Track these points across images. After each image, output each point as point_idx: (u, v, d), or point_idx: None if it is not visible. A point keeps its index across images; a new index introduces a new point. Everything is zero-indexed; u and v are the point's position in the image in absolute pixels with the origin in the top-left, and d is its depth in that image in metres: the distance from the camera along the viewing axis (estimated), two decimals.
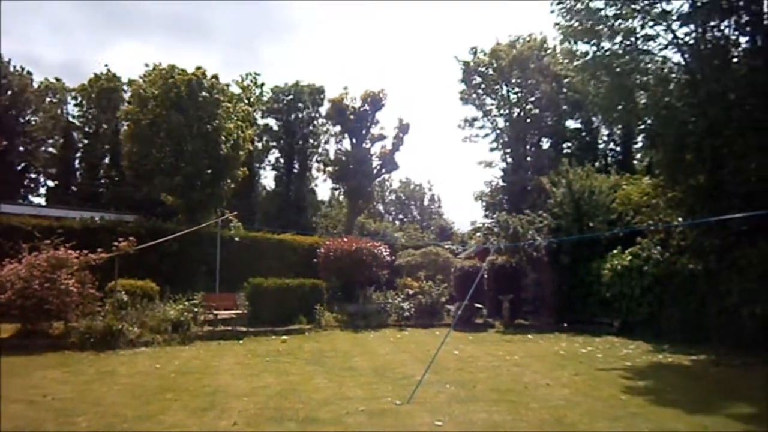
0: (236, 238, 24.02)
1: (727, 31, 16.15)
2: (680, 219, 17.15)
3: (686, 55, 16.67)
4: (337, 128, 46.89)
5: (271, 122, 52.59)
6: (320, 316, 19.45)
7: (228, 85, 32.26)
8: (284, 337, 16.83)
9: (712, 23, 16.07)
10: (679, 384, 10.64)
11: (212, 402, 8.60)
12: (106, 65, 56.38)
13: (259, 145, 50.32)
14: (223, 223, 23.61)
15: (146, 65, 30.82)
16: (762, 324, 13.55)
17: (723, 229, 15.09)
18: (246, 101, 45.76)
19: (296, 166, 53.19)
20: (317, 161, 52.15)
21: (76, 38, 79.95)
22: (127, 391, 9.32)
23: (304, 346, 15.24)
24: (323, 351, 14.50)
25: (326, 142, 53.86)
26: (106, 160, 49.05)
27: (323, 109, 51.88)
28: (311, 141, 53.50)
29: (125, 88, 46.26)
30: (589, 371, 11.83)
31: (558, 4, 17.47)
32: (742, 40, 16.31)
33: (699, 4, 15.71)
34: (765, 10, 15.44)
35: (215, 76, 27.72)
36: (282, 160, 53.22)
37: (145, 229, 21.61)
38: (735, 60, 16.29)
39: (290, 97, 51.65)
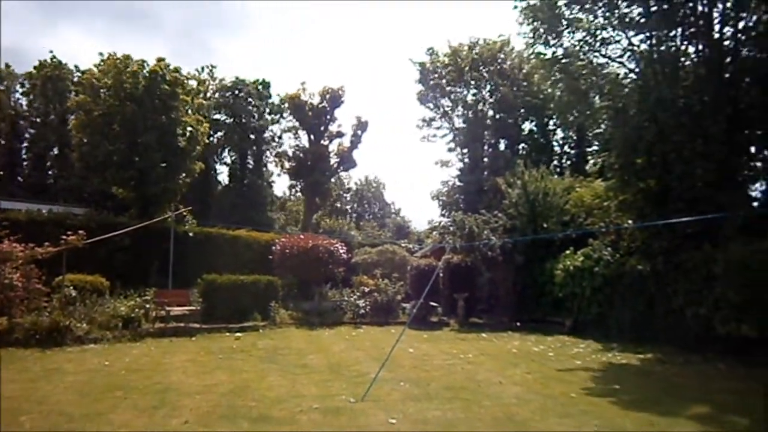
0: (190, 234, 23.61)
1: (677, 40, 16.66)
2: (630, 221, 17.62)
3: (639, 62, 17.13)
4: (292, 123, 46.50)
5: (224, 117, 51.78)
6: (275, 313, 19.30)
7: (187, 78, 31.62)
8: (238, 335, 16.64)
9: (664, 32, 16.55)
10: (627, 382, 10.93)
11: (163, 400, 8.45)
12: (51, 52, 54.36)
13: (214, 139, 49.49)
14: (177, 218, 23.19)
15: (100, 54, 29.96)
16: (705, 325, 14.03)
17: (670, 232, 15.57)
18: (203, 95, 44.99)
19: (250, 161, 52.59)
20: (274, 157, 51.63)
21: (19, 22, 77.07)
22: (74, 389, 9.07)
23: (258, 344, 15.10)
24: (278, 348, 14.39)
25: (280, 137, 53.32)
26: (55, 151, 47.48)
27: (274, 104, 51.52)
28: (265, 136, 52.91)
29: (72, 77, 44.80)
30: (541, 370, 12.05)
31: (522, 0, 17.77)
32: (691, 49, 16.86)
33: (652, 11, 16.18)
34: (713, 22, 15.99)
35: (177, 69, 27.17)
36: (236, 156, 52.53)
37: (96, 222, 21.05)
38: (684, 68, 16.81)
39: (238, 92, 50.91)
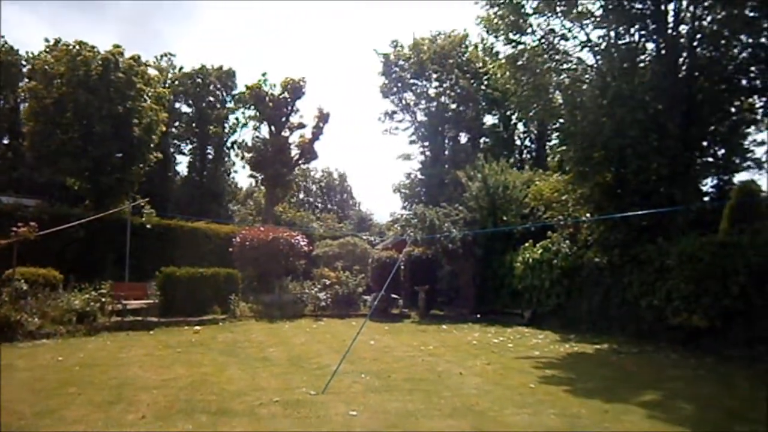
0: (148, 226, 23.19)
1: (635, 37, 17.01)
2: (588, 215, 17.98)
3: (598, 57, 17.43)
4: (253, 114, 45.89)
5: (184, 107, 50.81)
6: (235, 306, 19.11)
7: (147, 66, 30.87)
8: (197, 328, 16.43)
9: (622, 28, 16.88)
10: (583, 372, 11.16)
11: (119, 395, 8.27)
12: (2, 37, 52.29)
13: (174, 129, 48.53)
14: (133, 209, 22.72)
15: (50, 40, 29.08)
16: (658, 315, 14.43)
17: (626, 226, 15.94)
18: (162, 84, 44.03)
19: (211, 152, 51.75)
20: (235, 147, 50.91)
21: None
22: (26, 385, 8.81)
23: (217, 337, 14.93)
24: (237, 341, 14.25)
25: (242, 128, 52.58)
26: (5, 140, 45.88)
27: (236, 94, 50.71)
28: (226, 127, 52.13)
29: (22, 63, 43.30)
30: (501, 360, 12.21)
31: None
32: (649, 46, 17.25)
33: (610, 7, 16.47)
34: (669, 20, 16.38)
35: (134, 58, 26.52)
36: (196, 146, 51.62)
37: (48, 214, 20.51)
38: (641, 65, 17.18)
39: (199, 80, 49.97)
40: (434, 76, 43.26)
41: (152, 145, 27.09)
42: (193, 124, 50.08)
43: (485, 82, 40.75)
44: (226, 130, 52.28)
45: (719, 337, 12.92)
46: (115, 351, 12.42)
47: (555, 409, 8.02)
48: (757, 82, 15.84)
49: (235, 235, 23.41)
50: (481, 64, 41.36)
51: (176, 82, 49.99)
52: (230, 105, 51.85)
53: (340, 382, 9.19)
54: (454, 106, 43.37)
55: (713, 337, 13.04)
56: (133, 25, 78.29)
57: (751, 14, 15.01)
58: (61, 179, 26.57)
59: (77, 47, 25.22)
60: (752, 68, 15.85)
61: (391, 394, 8.70)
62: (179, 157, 52.18)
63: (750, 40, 15.49)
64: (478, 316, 21.46)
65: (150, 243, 22.26)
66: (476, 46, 41.92)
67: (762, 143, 16.70)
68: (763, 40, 15.41)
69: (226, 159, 52.93)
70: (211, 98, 50.53)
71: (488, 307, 22.22)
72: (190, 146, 51.88)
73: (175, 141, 50.03)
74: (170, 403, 7.90)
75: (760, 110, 16.33)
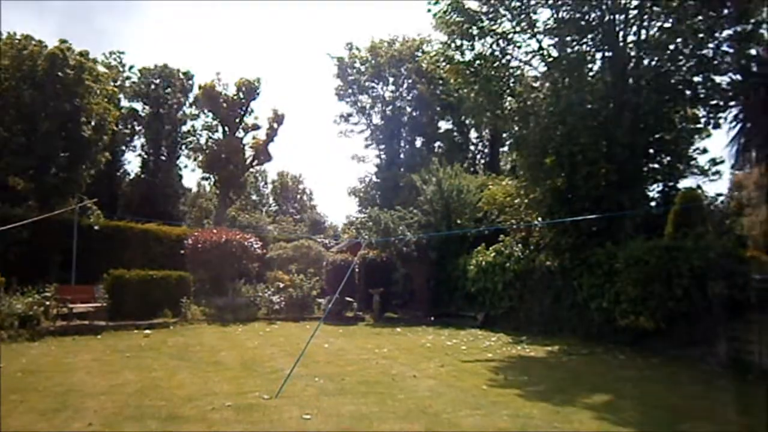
0: (96, 227, 22.54)
1: (586, 46, 17.43)
2: (540, 219, 18.31)
3: (550, 65, 17.79)
4: (206, 115, 45.24)
5: (137, 106, 49.55)
6: (187, 309, 18.75)
7: (96, 63, 30.01)
8: (147, 332, 16.05)
9: (572, 38, 17.28)
10: (535, 373, 11.36)
11: (64, 402, 8.01)
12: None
13: (125, 129, 47.28)
14: (81, 210, 22.07)
15: None
16: (606, 317, 14.79)
17: (576, 230, 16.29)
18: (113, 82, 42.91)
19: (164, 152, 50.63)
20: (187, 149, 49.95)
21: None
22: None
23: (168, 341, 14.62)
24: (189, 345, 13.99)
25: (197, 130, 51.63)
26: None
27: (192, 95, 49.81)
28: (180, 128, 51.09)
29: None
30: (454, 363, 12.31)
31: (435, 4, 18.03)
32: (598, 55, 17.69)
33: (561, 16, 16.86)
34: (617, 30, 16.85)
35: (82, 53, 25.76)
36: (148, 146, 50.37)
37: None
38: (591, 73, 17.62)
39: (152, 79, 48.85)
40: (391, 80, 43.41)
41: (102, 145, 26.38)
42: (147, 124, 48.84)
43: (441, 87, 41.09)
44: (180, 131, 51.24)
45: (665, 337, 13.33)
46: (61, 356, 12.03)
47: (507, 410, 8.14)
48: (701, 92, 16.43)
49: (187, 237, 22.97)
50: (434, 69, 41.66)
51: (127, 81, 48.74)
52: (185, 105, 50.82)
53: (293, 386, 9.12)
54: (410, 110, 43.59)
55: (659, 338, 13.45)
56: (76, 21, 75.74)
57: (695, 26, 15.59)
58: (3, 178, 25.59)
59: (23, 41, 24.38)
60: (695, 79, 16.45)
61: (345, 397, 8.67)
62: (130, 157, 50.87)
63: (694, 52, 16.06)
64: (433, 318, 21.60)
65: (98, 245, 21.63)
66: (428, 53, 42.17)
67: (705, 151, 17.35)
68: (706, 51, 16.02)
69: (179, 160, 51.87)
70: (164, 98, 49.44)
71: (442, 309, 22.38)
72: (141, 146, 50.61)
73: (127, 141, 48.72)
74: (119, 410, 7.70)
75: (703, 120, 16.94)
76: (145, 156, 49.60)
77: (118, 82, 45.72)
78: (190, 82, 50.10)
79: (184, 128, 51.10)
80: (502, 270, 19.25)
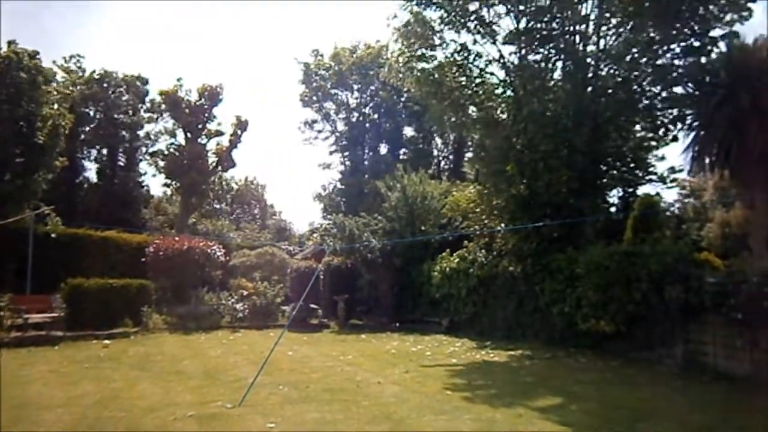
0: (53, 235, 21.97)
1: (546, 55, 17.75)
2: (502, 225, 18.53)
3: (511, 74, 18.06)
4: (168, 122, 44.55)
5: (93, 110, 48.39)
6: (148, 318, 18.45)
7: (58, 67, 29.28)
8: (107, 342, 15.71)
9: (533, 46, 17.59)
10: (498, 378, 11.47)
11: (18, 416, 7.78)
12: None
13: (82, 134, 46.20)
14: (37, 217, 21.50)
15: None
16: (568, 321, 15.03)
17: (538, 236, 16.56)
18: (70, 86, 41.95)
19: (122, 158, 49.62)
20: (147, 155, 49.08)
21: None
22: None
23: (129, 351, 14.33)
24: (150, 355, 13.74)
25: (156, 135, 50.71)
26: None
27: (149, 100, 49.01)
28: (138, 132, 50.16)
29: None
30: (418, 369, 12.36)
31: (394, 17, 18.21)
32: (559, 64, 18.03)
33: (521, 26, 17.16)
34: (577, 40, 17.22)
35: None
36: (106, 152, 49.31)
37: None
38: (552, 83, 17.94)
39: (107, 85, 47.84)
40: (355, 86, 43.49)
41: (58, 150, 25.74)
42: (104, 130, 47.80)
43: (405, 94, 41.31)
44: (140, 136, 50.34)
45: (624, 341, 13.60)
46: (16, 368, 11.66)
47: (471, 414, 8.20)
48: (657, 102, 16.88)
49: (148, 245, 22.58)
50: (395, 80, 41.85)
51: (85, 86, 47.65)
52: (141, 110, 49.91)
53: (257, 394, 9.04)
54: (374, 116, 43.72)
55: (619, 341, 13.72)
56: (19, 18, 73.42)
57: (651, 39, 16.05)
58: None
59: None
60: (653, 89, 16.90)
61: (310, 405, 8.63)
62: (88, 164, 49.67)
63: (650, 63, 16.52)
64: (398, 324, 21.63)
65: (55, 253, 21.05)
66: (388, 64, 42.32)
67: (663, 158, 17.80)
68: (662, 62, 16.49)
69: (139, 166, 50.91)
70: (123, 103, 48.49)
71: (407, 315, 22.44)
72: (99, 152, 49.50)
73: (85, 147, 47.62)
74: (76, 422, 7.52)
75: (661, 129, 17.37)
76: (102, 162, 48.57)
77: (78, 87, 44.65)
78: (146, 86, 49.26)
79: (142, 133, 50.16)
80: (466, 276, 19.40)
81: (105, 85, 47.53)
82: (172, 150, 42.05)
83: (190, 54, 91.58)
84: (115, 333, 16.88)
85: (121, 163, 49.36)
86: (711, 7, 15.43)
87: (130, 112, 48.99)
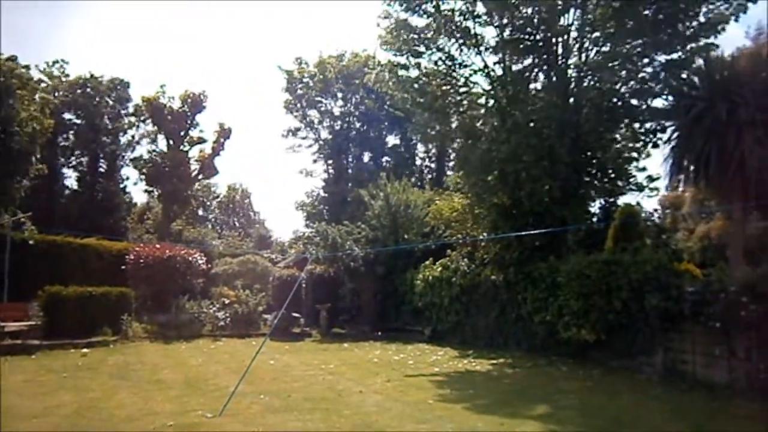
0: (31, 242, 21.67)
1: (529, 66, 17.91)
2: (485, 234, 18.60)
3: (494, 84, 18.18)
4: (150, 127, 44.26)
5: (74, 117, 47.80)
6: (128, 326, 18.24)
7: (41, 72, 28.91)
8: (85, 350, 15.51)
9: (516, 57, 17.74)
10: (480, 386, 11.49)
11: None
12: None
13: (62, 140, 45.66)
14: (14, 224, 21.20)
15: None
16: (550, 330, 15.10)
17: (520, 245, 16.65)
18: (53, 92, 41.50)
19: (103, 165, 49.06)
20: (129, 161, 48.62)
21: None
22: None
23: (107, 360, 14.16)
24: (129, 364, 13.58)
25: (137, 142, 50.23)
26: None
27: (132, 105, 48.61)
28: (120, 139, 49.64)
29: None
30: (401, 377, 12.34)
31: (384, 18, 18.24)
32: (542, 75, 18.20)
33: (504, 36, 17.30)
34: (559, 52, 17.39)
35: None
36: (85, 158, 48.66)
37: None
38: (534, 93, 18.10)
39: (90, 90, 47.26)
40: (339, 94, 43.52)
41: (37, 157, 25.43)
42: (85, 136, 47.21)
43: (388, 102, 41.38)
44: (121, 143, 49.84)
45: (605, 349, 13.70)
46: None
47: (453, 423, 8.20)
48: (638, 114, 17.10)
49: (128, 253, 22.35)
50: (381, 86, 41.96)
51: (66, 91, 47.09)
52: (126, 117, 49.43)
53: (238, 404, 8.96)
54: (358, 125, 43.76)
55: (600, 349, 13.81)
56: (7, 27, 72.64)
57: (631, 51, 16.27)
58: None
59: None
60: (633, 101, 17.13)
61: (291, 414, 8.58)
62: (68, 170, 49.03)
63: (631, 75, 16.74)
64: (380, 333, 21.59)
65: (33, 260, 20.76)
66: (374, 70, 42.44)
67: (643, 169, 17.99)
68: (642, 75, 16.73)
69: (120, 172, 50.35)
70: (105, 109, 47.97)
71: (390, 324, 22.41)
72: (80, 159, 48.88)
73: (65, 153, 47.04)
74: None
75: (641, 140, 17.59)
76: (83, 168, 47.93)
77: (60, 93, 44.09)
78: (128, 90, 48.83)
79: (124, 139, 49.62)
80: (449, 284, 19.43)
81: (87, 89, 46.96)
82: (153, 157, 41.81)
83: (173, 60, 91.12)
84: (94, 342, 16.65)
85: (102, 170, 48.79)
86: (688, 23, 15.68)
87: (112, 117, 48.42)
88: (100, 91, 47.50)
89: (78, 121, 47.39)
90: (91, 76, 46.75)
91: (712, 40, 15.71)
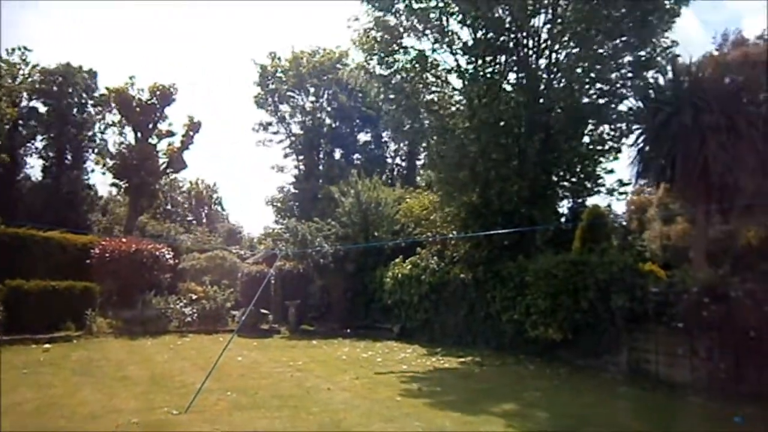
0: None
1: (500, 66, 18.04)
2: (454, 232, 18.70)
3: (466, 82, 18.27)
4: (117, 118, 43.35)
5: (38, 105, 46.57)
6: (92, 322, 17.90)
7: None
8: (47, 346, 15.18)
9: (488, 57, 17.84)
10: (449, 384, 11.55)
11: None
12: None
13: (24, 130, 44.45)
14: None
15: None
16: (518, 328, 15.25)
17: (490, 244, 16.77)
18: (11, 79, 40.43)
19: (68, 156, 47.91)
20: (94, 153, 47.58)
21: None
22: None
23: (71, 356, 13.88)
24: (93, 360, 13.35)
25: (103, 132, 49.09)
26: None
27: (98, 95, 47.51)
28: (85, 131, 48.52)
29: None
30: (369, 375, 12.34)
31: (355, 20, 18.21)
32: (512, 76, 18.34)
33: (478, 36, 17.40)
34: (530, 53, 17.56)
35: None
36: (50, 148, 47.46)
37: None
38: (505, 93, 18.23)
39: (57, 78, 46.08)
40: (311, 90, 43.30)
41: None
42: (49, 125, 46.07)
43: (361, 99, 41.32)
44: (86, 134, 48.71)
45: (572, 348, 13.89)
46: None
47: (420, 421, 8.23)
48: (605, 116, 17.36)
49: (94, 246, 21.91)
50: (354, 82, 41.90)
51: (29, 79, 45.84)
52: (93, 108, 48.34)
53: (204, 400, 8.87)
54: (329, 121, 43.61)
55: (566, 348, 14.00)
56: None
57: (600, 52, 16.51)
58: None
59: None
60: (601, 102, 17.38)
61: (258, 412, 8.52)
62: (32, 161, 47.79)
63: (599, 77, 16.99)
64: (349, 330, 21.55)
65: None
66: (348, 66, 42.37)
67: (611, 171, 18.26)
68: (612, 76, 16.98)
69: (86, 164, 49.24)
70: (70, 99, 46.82)
71: (359, 321, 22.39)
72: (43, 149, 47.66)
73: (27, 143, 45.84)
74: (14, 431, 7.22)
75: (609, 142, 17.87)
76: (47, 159, 46.78)
77: (19, 80, 42.93)
78: (95, 80, 47.78)
79: (90, 132, 48.50)
80: (418, 282, 19.49)
81: (52, 78, 45.80)
82: (121, 149, 41.05)
83: (143, 53, 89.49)
84: (57, 337, 16.32)
85: (68, 161, 47.69)
86: (650, 17, 15.93)
87: (79, 107, 47.31)
88: (68, 79, 46.38)
89: (43, 110, 46.25)
90: (59, 65, 45.63)
91: (668, 35, 16.10)
